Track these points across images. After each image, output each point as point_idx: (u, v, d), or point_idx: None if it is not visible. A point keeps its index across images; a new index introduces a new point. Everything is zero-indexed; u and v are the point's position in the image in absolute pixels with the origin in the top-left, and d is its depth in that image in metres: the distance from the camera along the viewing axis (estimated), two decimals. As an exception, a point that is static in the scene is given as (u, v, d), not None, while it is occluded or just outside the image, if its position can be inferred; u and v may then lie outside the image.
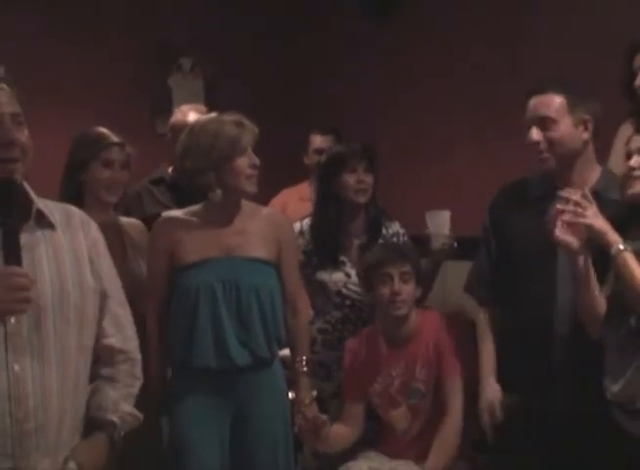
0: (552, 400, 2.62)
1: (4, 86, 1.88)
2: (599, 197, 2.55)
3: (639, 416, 2.28)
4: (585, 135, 2.65)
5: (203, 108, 3.65)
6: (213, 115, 2.85)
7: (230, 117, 2.75)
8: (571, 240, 2.32)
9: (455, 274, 3.09)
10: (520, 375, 2.72)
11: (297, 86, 5.24)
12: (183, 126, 3.08)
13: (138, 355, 2.15)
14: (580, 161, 2.67)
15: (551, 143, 2.63)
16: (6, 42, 4.15)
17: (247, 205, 2.83)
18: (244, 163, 2.70)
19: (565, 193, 2.32)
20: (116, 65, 4.65)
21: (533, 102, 2.66)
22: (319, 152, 4.31)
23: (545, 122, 2.63)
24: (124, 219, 3.03)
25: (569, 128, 2.62)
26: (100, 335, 2.05)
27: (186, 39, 4.94)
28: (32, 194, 1.95)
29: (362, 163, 3.26)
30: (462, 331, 3.07)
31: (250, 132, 2.73)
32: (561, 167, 2.67)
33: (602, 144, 2.71)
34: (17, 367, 1.80)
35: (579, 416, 2.54)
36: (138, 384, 2.14)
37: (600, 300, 2.38)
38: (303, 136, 4.54)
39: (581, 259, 2.35)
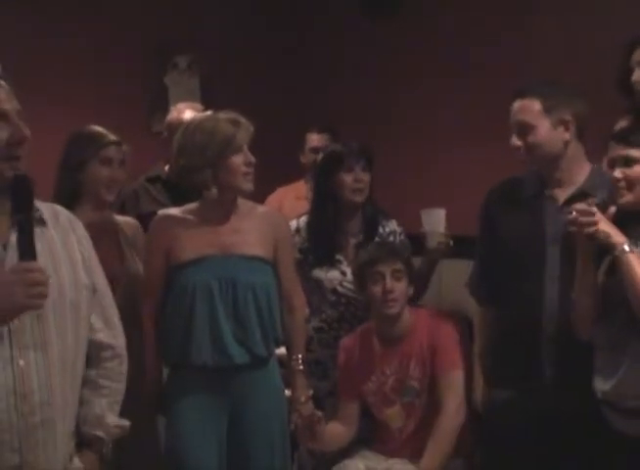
0: (543, 399, 2.63)
1: (3, 83, 1.88)
2: (587, 195, 2.57)
3: (631, 415, 2.30)
4: (567, 136, 2.65)
5: (199, 106, 3.65)
6: (209, 113, 2.86)
7: (226, 116, 2.75)
8: None
9: (451, 273, 3.10)
10: (511, 374, 2.73)
11: (293, 84, 5.24)
12: (179, 124, 3.09)
13: (125, 351, 2.15)
14: (565, 161, 2.67)
15: (529, 148, 2.65)
16: (1, 41, 4.14)
17: (243, 203, 2.83)
18: (239, 160, 2.70)
19: (573, 207, 2.33)
20: (112, 63, 4.64)
21: (513, 107, 2.68)
22: (315, 150, 4.31)
23: (523, 128, 2.65)
24: (120, 218, 3.03)
25: (547, 131, 2.63)
26: (89, 330, 2.05)
27: (182, 37, 4.93)
28: None
29: (359, 162, 3.26)
30: (458, 329, 3.07)
31: (245, 130, 2.72)
32: (545, 169, 2.69)
33: (600, 142, 2.70)
34: (21, 362, 1.81)
35: (570, 415, 2.55)
36: (124, 381, 2.15)
37: (595, 298, 2.39)
38: (300, 134, 4.54)
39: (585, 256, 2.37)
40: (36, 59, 4.32)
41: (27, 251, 1.77)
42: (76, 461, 1.99)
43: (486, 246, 2.86)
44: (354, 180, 3.25)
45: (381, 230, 3.35)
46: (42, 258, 1.85)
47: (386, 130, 4.80)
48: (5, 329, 1.80)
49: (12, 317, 1.78)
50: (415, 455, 2.94)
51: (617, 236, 2.26)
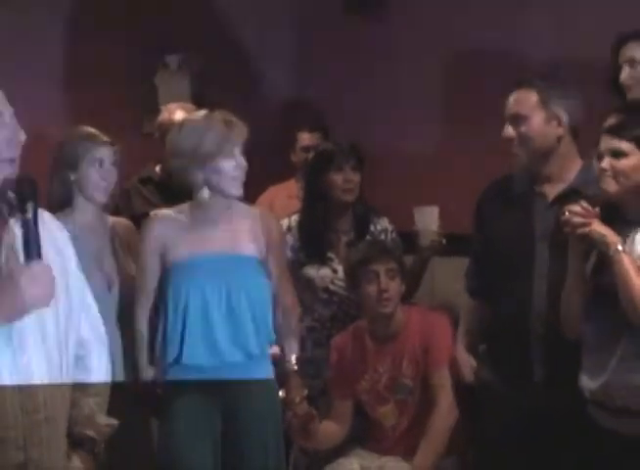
0: (533, 397, 2.64)
1: None
2: (576, 193, 2.58)
3: (618, 413, 2.30)
4: (560, 131, 2.65)
5: (190, 106, 3.65)
6: (203, 112, 2.83)
7: (220, 116, 2.73)
8: None
9: (443, 271, 3.11)
10: (501, 372, 2.74)
11: (284, 83, 5.23)
12: (170, 125, 3.09)
13: (108, 350, 2.15)
14: (556, 156, 2.68)
15: (522, 139, 2.65)
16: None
17: (235, 203, 2.82)
18: (229, 164, 2.68)
19: (567, 207, 2.34)
20: (102, 63, 4.62)
21: (509, 98, 2.69)
22: (306, 149, 4.30)
23: (518, 119, 2.65)
24: (113, 219, 3.03)
25: (540, 124, 2.64)
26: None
27: (172, 37, 4.92)
28: None
29: (349, 161, 3.27)
30: (450, 326, 3.08)
31: (238, 132, 2.70)
32: (536, 163, 2.68)
33: (592, 139, 2.72)
34: (25, 359, 1.81)
35: (560, 412, 2.55)
36: (109, 380, 2.15)
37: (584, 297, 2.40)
38: (291, 133, 4.53)
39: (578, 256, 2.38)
40: (24, 59, 4.30)
41: (34, 250, 1.78)
42: (76, 460, 2.00)
43: (479, 244, 2.88)
44: (344, 180, 3.26)
45: (372, 228, 3.36)
46: None
47: (377, 128, 4.80)
48: (7, 327, 1.80)
49: (21, 316, 1.79)
50: (408, 453, 2.96)
51: (611, 236, 2.27)
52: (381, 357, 3.05)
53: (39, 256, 1.79)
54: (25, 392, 1.81)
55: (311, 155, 3.51)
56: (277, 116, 5.05)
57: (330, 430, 3.04)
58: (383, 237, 3.35)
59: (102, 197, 2.88)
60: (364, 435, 3.15)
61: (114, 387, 2.21)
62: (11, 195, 1.85)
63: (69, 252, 2.03)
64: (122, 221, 3.05)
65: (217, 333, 2.67)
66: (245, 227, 2.79)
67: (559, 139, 2.66)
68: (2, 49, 4.10)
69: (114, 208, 3.15)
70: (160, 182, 3.49)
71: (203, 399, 2.72)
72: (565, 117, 2.65)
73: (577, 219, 2.29)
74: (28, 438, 1.82)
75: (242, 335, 2.70)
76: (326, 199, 3.29)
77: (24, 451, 1.82)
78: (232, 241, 2.75)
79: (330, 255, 3.30)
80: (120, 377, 2.33)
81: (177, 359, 2.70)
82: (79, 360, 2.05)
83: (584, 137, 2.73)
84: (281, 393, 2.83)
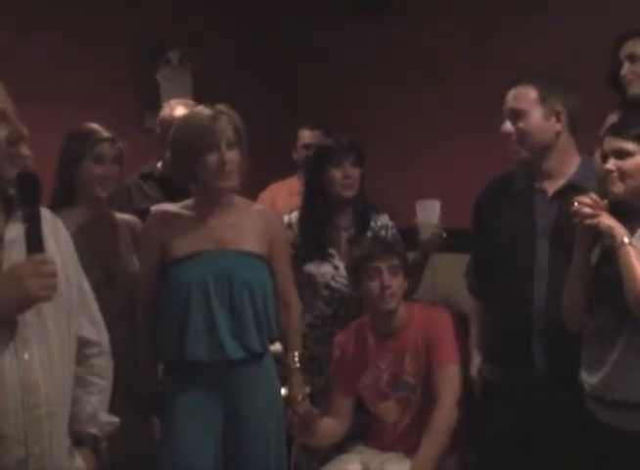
0: (534, 392, 2.65)
1: None
2: (576, 188, 2.60)
3: (619, 408, 2.31)
4: (558, 126, 2.68)
5: (191, 102, 3.64)
6: (200, 107, 2.83)
7: (208, 111, 2.72)
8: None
9: (445, 266, 3.11)
10: (503, 367, 2.75)
11: (287, 80, 5.24)
12: (172, 121, 3.09)
13: (109, 348, 2.17)
14: (555, 152, 2.70)
15: (522, 135, 2.67)
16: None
17: (238, 200, 2.83)
18: (213, 159, 2.67)
19: (576, 198, 2.35)
20: (104, 59, 4.63)
21: (508, 94, 2.72)
22: (307, 147, 4.32)
23: (517, 114, 2.68)
24: (120, 215, 3.03)
25: (539, 120, 2.66)
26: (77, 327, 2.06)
27: (174, 33, 4.92)
28: None
29: (349, 157, 3.27)
30: (453, 322, 3.07)
31: (222, 127, 2.68)
32: (535, 159, 2.70)
33: (592, 135, 2.72)
34: (26, 356, 1.82)
35: (562, 407, 2.56)
36: (111, 378, 2.17)
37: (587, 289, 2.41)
38: (292, 130, 4.54)
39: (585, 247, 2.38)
40: (26, 56, 4.30)
41: (36, 243, 1.79)
42: (79, 459, 2.01)
43: (479, 241, 2.88)
44: (344, 176, 3.26)
45: (372, 224, 3.36)
46: None
47: (380, 125, 4.81)
48: (9, 321, 1.80)
49: (24, 309, 1.79)
50: (410, 450, 2.95)
51: (619, 228, 2.28)
52: (382, 354, 3.05)
53: (42, 249, 1.79)
54: (27, 387, 1.81)
55: (311, 151, 3.51)
56: (279, 112, 5.05)
57: (331, 427, 3.03)
58: (383, 233, 3.35)
59: (102, 193, 2.89)
60: (366, 431, 3.15)
61: (116, 385, 2.22)
62: (13, 190, 1.86)
63: (70, 250, 2.04)
64: (129, 218, 3.06)
65: (219, 330, 2.67)
66: (247, 224, 2.79)
67: (557, 135, 2.68)
68: (3, 46, 4.11)
69: (121, 204, 3.15)
70: (161, 178, 3.48)
71: (204, 397, 2.71)
72: (563, 113, 2.66)
73: (586, 210, 2.30)
74: (30, 433, 1.82)
75: (243, 331, 2.70)
76: (326, 195, 3.29)
77: (26, 447, 1.82)
78: (234, 237, 2.75)
79: (331, 251, 3.30)
80: (121, 375, 2.32)
81: (178, 356, 2.70)
82: (80, 358, 2.05)
83: (583, 133, 2.75)
84: (283, 390, 2.82)
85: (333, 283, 3.27)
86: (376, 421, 3.11)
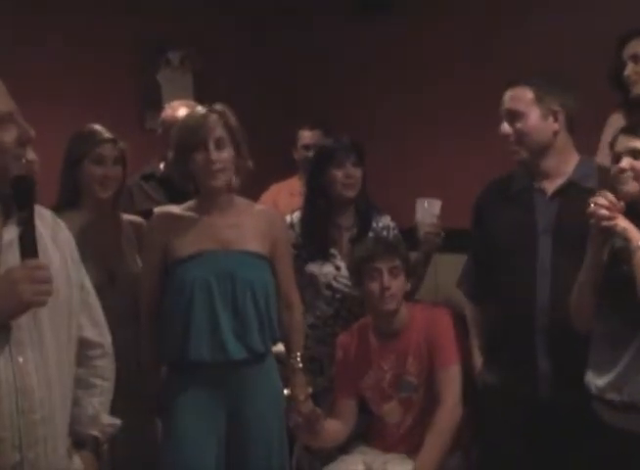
0: (537, 392, 2.65)
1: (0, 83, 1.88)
2: (575, 187, 2.63)
3: (627, 410, 2.30)
4: (556, 126, 2.68)
5: (193, 103, 3.64)
6: (198, 107, 2.84)
7: (200, 110, 2.75)
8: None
9: (447, 267, 3.10)
10: (506, 367, 2.75)
11: (287, 80, 5.24)
12: (173, 122, 3.10)
13: (111, 349, 2.17)
14: (553, 151, 2.70)
15: (519, 135, 2.67)
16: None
17: (239, 200, 2.83)
18: (200, 158, 2.68)
19: (593, 199, 2.33)
20: (105, 60, 4.63)
21: (505, 95, 2.72)
22: (307, 147, 4.33)
23: (514, 115, 2.68)
24: (126, 216, 3.03)
25: (537, 120, 2.66)
26: (78, 328, 2.05)
27: (174, 34, 4.92)
28: None
29: (350, 157, 3.27)
30: (454, 323, 3.07)
31: (210, 126, 2.68)
32: (534, 159, 2.70)
33: (590, 135, 2.73)
34: (21, 359, 1.81)
35: (565, 407, 2.56)
36: (113, 379, 2.17)
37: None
38: (292, 130, 4.54)
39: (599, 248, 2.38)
40: (26, 56, 4.30)
41: (29, 248, 1.78)
42: (77, 460, 2.00)
43: (478, 244, 2.88)
44: (345, 175, 3.26)
45: (374, 225, 3.35)
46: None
47: (380, 125, 4.81)
48: (4, 326, 1.80)
49: (18, 315, 1.79)
50: (413, 450, 2.95)
51: (634, 231, 2.27)
52: (385, 355, 3.05)
53: (35, 254, 1.78)
54: (21, 391, 1.80)
55: (313, 151, 3.51)
56: (278, 112, 5.05)
57: (334, 428, 3.03)
58: (385, 234, 3.35)
59: (104, 193, 2.89)
60: (368, 432, 3.15)
61: (118, 386, 2.22)
62: (8, 193, 1.84)
63: (71, 250, 2.03)
64: (134, 219, 3.06)
65: (222, 330, 2.66)
66: (249, 224, 2.79)
67: (555, 134, 2.69)
68: (3, 46, 4.11)
69: (123, 205, 3.15)
70: (162, 179, 3.48)
71: (206, 398, 2.71)
72: (560, 113, 2.66)
73: (603, 212, 2.29)
74: (24, 438, 1.81)
75: (246, 331, 2.70)
76: (327, 195, 3.29)
77: (20, 451, 1.82)
78: (237, 237, 2.75)
79: (332, 251, 3.30)
80: (124, 376, 2.32)
81: (181, 356, 2.70)
82: (82, 359, 2.05)
83: (584, 132, 2.75)
84: (286, 391, 2.82)
85: (334, 283, 3.27)
86: (378, 422, 3.11)
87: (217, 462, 2.72)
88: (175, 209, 2.82)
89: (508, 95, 2.71)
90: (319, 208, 3.30)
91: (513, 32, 4.27)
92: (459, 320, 3.08)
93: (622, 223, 2.28)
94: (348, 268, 3.17)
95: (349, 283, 3.21)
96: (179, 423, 2.71)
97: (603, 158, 2.99)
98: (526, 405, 2.67)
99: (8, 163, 1.82)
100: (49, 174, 2.89)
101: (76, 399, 2.03)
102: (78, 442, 2.04)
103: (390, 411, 3.05)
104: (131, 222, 3.02)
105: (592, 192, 2.41)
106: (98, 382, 2.10)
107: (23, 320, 1.81)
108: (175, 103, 3.63)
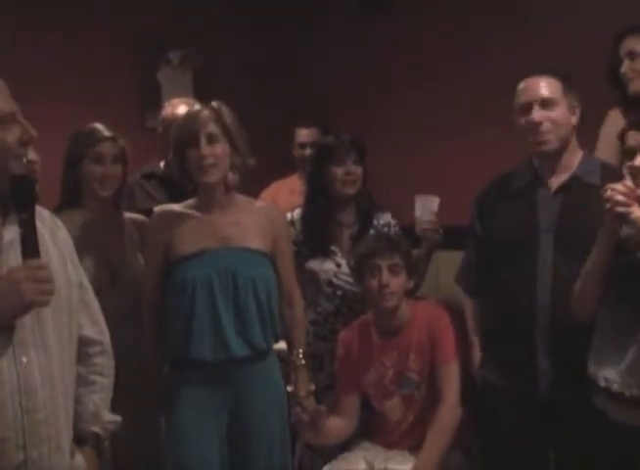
0: (538, 388, 2.64)
1: (1, 83, 1.88)
2: (578, 182, 2.63)
3: (634, 405, 2.28)
4: (574, 121, 2.67)
5: (193, 101, 3.63)
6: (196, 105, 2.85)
7: (195, 108, 2.76)
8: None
9: (448, 264, 3.10)
10: (506, 363, 2.74)
11: (287, 80, 5.24)
12: (174, 120, 3.10)
13: (110, 347, 2.18)
14: (569, 146, 2.69)
15: (554, 123, 2.63)
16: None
17: (239, 197, 2.83)
18: (193, 154, 2.68)
19: (609, 186, 2.29)
20: (105, 59, 4.64)
21: (532, 83, 2.67)
22: (303, 146, 4.34)
23: (549, 103, 2.63)
24: (129, 215, 3.03)
25: (565, 111, 2.65)
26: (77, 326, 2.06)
27: (174, 33, 4.93)
28: None
29: (350, 154, 3.27)
30: (454, 320, 3.08)
31: (201, 122, 2.68)
32: (560, 150, 2.67)
33: (591, 134, 2.73)
34: (24, 359, 1.81)
35: (566, 403, 2.57)
36: (113, 377, 2.18)
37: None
38: (292, 130, 4.55)
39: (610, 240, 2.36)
40: (27, 56, 4.30)
41: (31, 249, 1.79)
42: (79, 458, 2.01)
43: (477, 241, 2.88)
44: (345, 173, 3.26)
45: (375, 222, 3.36)
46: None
47: (380, 125, 4.81)
48: (7, 326, 1.80)
49: (21, 314, 1.79)
50: (414, 447, 2.95)
51: None
52: (387, 351, 3.05)
53: (37, 254, 1.79)
54: (25, 391, 1.81)
55: (310, 150, 3.51)
56: (278, 112, 5.05)
57: (337, 426, 3.03)
58: (385, 231, 3.35)
59: (103, 192, 2.89)
60: (370, 428, 3.15)
61: (121, 385, 2.22)
62: (8, 193, 1.85)
63: (70, 249, 2.04)
64: (136, 217, 3.05)
65: (224, 326, 2.66)
66: (249, 221, 2.79)
67: (573, 129, 2.68)
68: (3, 46, 4.11)
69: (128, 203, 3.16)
70: (163, 177, 3.49)
71: (209, 396, 2.71)
72: (578, 108, 2.66)
73: (619, 197, 2.25)
74: (28, 437, 1.82)
75: (248, 328, 2.70)
76: (328, 192, 3.29)
77: (24, 451, 1.82)
78: (238, 235, 2.75)
79: (333, 248, 3.30)
80: (126, 375, 2.33)
81: (183, 355, 2.69)
82: (82, 358, 2.06)
83: (584, 131, 2.76)
84: (289, 388, 2.82)
85: (335, 280, 3.27)
86: (380, 418, 3.11)
87: (220, 460, 2.72)
88: (176, 207, 2.82)
89: (536, 83, 2.66)
90: (319, 205, 3.30)
91: (513, 32, 4.28)
92: (459, 317, 3.08)
93: (637, 212, 2.26)
94: (349, 265, 3.17)
95: (350, 280, 3.21)
96: (181, 421, 2.71)
97: (601, 155, 3.00)
98: (526, 403, 2.67)
99: (9, 162, 1.83)
100: (50, 174, 2.90)
101: (77, 397, 2.04)
102: (80, 438, 2.04)
103: (392, 408, 3.05)
104: (133, 221, 3.02)
105: (595, 188, 2.41)
106: (98, 379, 2.11)
107: (27, 320, 1.82)
108: (175, 100, 3.63)
